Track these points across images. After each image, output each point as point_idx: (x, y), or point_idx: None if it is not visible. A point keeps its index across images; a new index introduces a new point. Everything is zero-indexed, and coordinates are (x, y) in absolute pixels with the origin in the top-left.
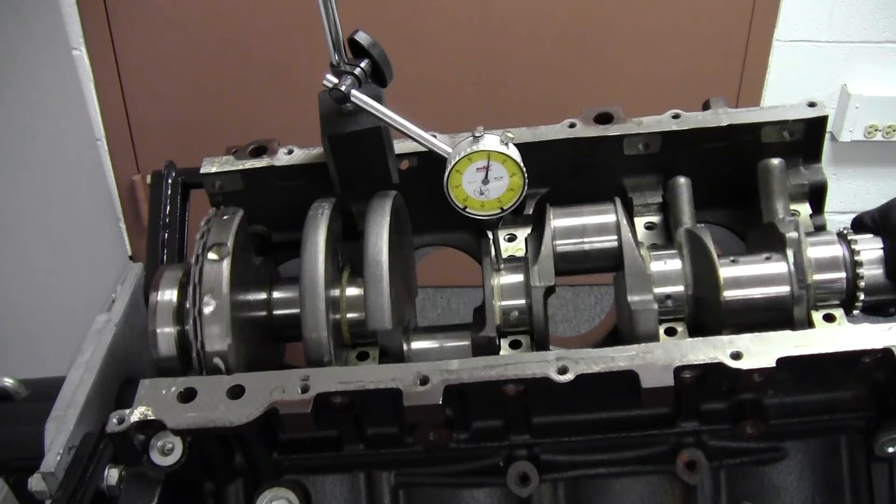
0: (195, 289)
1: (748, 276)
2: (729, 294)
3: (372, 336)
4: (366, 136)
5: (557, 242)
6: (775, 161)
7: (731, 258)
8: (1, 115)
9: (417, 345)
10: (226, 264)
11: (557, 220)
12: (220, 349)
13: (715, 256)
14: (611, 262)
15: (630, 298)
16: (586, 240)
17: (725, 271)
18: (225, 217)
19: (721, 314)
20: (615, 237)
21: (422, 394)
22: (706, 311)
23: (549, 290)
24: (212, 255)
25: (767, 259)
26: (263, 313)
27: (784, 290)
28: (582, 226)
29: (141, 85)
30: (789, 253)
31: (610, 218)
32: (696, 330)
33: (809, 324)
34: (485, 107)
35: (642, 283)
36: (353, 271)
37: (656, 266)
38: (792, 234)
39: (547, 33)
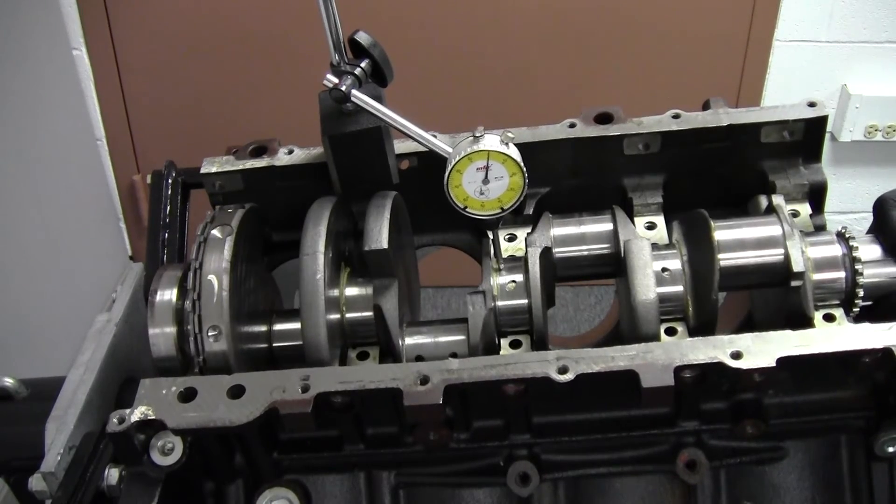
0: (198, 249)
1: (743, 234)
2: (723, 251)
3: (372, 336)
4: (366, 136)
5: (557, 250)
6: (762, 198)
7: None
8: (1, 115)
9: (412, 340)
10: (229, 241)
11: (557, 229)
12: (217, 324)
13: (707, 216)
14: (610, 267)
15: (634, 298)
16: (584, 247)
17: (720, 234)
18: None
19: (716, 270)
20: (612, 245)
21: (422, 393)
22: (703, 279)
23: (547, 267)
24: (216, 233)
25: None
26: (264, 346)
27: (776, 230)
28: (581, 234)
29: (141, 85)
30: (776, 202)
31: (609, 226)
32: (696, 317)
33: (809, 323)
34: (485, 107)
35: (646, 282)
36: (352, 271)
37: (657, 265)
38: (776, 196)
39: (547, 33)
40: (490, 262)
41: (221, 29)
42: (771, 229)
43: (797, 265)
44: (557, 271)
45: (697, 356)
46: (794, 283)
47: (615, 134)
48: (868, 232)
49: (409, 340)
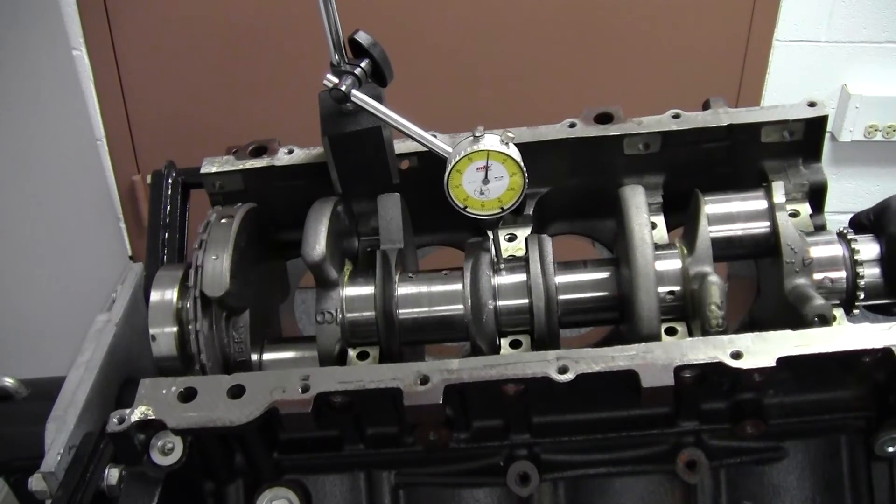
0: (199, 248)
1: (730, 208)
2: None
3: (373, 335)
4: (366, 136)
5: (561, 297)
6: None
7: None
8: (1, 115)
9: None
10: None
11: (560, 277)
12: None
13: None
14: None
15: (638, 299)
16: (587, 295)
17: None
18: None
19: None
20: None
21: (422, 393)
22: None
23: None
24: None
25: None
26: None
27: (761, 204)
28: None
29: (141, 85)
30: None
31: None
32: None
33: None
34: (485, 107)
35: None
36: (353, 271)
37: (657, 266)
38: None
39: (547, 33)
40: (490, 262)
41: (221, 29)
42: (757, 203)
43: (778, 195)
44: (561, 317)
45: (697, 356)
46: (778, 211)
47: (615, 134)
48: (860, 221)
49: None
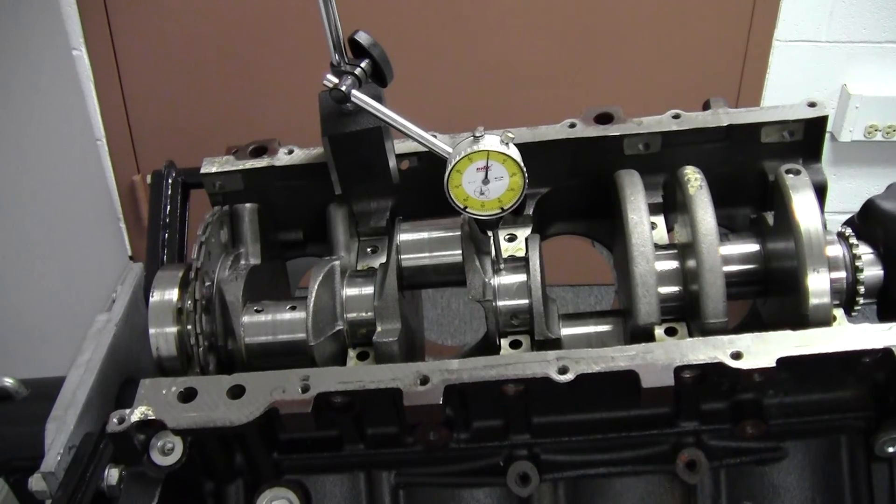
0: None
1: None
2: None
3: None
4: (366, 136)
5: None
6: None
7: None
8: (1, 115)
9: None
10: None
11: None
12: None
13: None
14: None
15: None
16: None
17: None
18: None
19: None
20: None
21: (422, 393)
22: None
23: None
24: None
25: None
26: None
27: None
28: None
29: (141, 85)
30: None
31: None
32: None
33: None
34: (485, 107)
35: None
36: (353, 271)
37: (657, 266)
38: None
39: (547, 33)
40: (490, 262)
41: (221, 29)
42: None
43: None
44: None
45: (697, 356)
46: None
47: (615, 134)
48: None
49: None
